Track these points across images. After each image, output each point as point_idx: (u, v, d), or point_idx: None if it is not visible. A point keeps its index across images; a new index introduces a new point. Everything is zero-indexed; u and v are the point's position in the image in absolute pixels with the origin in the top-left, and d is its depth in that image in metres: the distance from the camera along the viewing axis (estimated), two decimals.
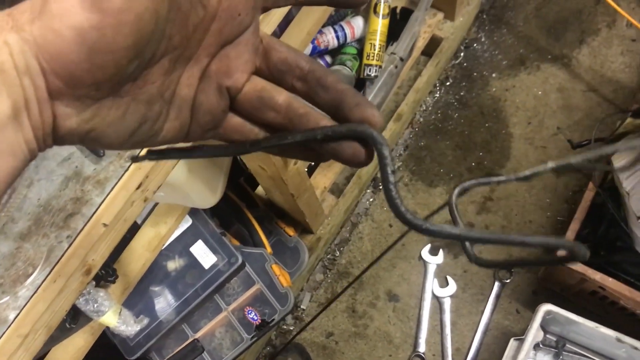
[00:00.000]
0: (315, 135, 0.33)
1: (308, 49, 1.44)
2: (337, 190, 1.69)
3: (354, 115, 0.34)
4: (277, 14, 0.92)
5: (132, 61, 0.28)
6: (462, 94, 1.81)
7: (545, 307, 1.27)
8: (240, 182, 1.54)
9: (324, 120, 0.35)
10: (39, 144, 0.28)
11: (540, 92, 1.77)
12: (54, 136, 0.29)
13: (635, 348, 1.21)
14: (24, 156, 0.28)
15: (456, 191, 0.39)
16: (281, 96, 0.35)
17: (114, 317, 1.09)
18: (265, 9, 0.34)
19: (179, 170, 1.01)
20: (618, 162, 1.24)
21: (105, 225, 0.75)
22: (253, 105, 0.36)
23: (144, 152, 0.38)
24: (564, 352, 1.38)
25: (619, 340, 1.22)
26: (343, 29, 1.48)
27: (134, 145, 0.33)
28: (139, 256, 1.19)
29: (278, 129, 0.36)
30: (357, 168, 1.67)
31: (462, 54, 1.86)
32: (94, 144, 0.31)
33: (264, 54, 0.36)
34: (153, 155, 0.38)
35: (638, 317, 1.29)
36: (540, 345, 1.40)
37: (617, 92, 1.71)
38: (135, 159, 0.39)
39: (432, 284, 1.62)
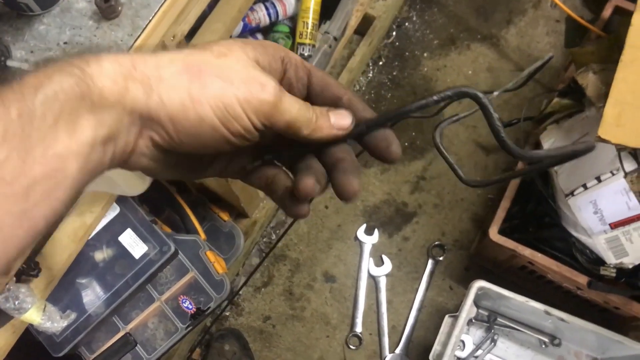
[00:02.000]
0: (428, 103, 0.42)
1: (239, 27, 1.39)
2: None
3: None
4: None
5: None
6: (394, 73, 1.81)
7: (478, 284, 1.30)
8: None
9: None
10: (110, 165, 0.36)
11: (470, 72, 1.79)
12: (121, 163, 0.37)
13: (562, 319, 1.26)
14: (97, 173, 0.35)
15: (437, 133, 0.49)
16: None
17: (37, 314, 1.02)
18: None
19: None
20: (547, 141, 1.27)
21: None
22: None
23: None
24: (495, 326, 1.43)
25: (547, 312, 1.27)
26: (274, 6, 1.44)
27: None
28: (63, 247, 1.12)
29: None
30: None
31: (394, 33, 1.86)
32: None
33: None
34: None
35: (564, 290, 1.35)
36: (473, 321, 1.44)
37: (543, 72, 1.75)
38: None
39: (367, 264, 1.63)
